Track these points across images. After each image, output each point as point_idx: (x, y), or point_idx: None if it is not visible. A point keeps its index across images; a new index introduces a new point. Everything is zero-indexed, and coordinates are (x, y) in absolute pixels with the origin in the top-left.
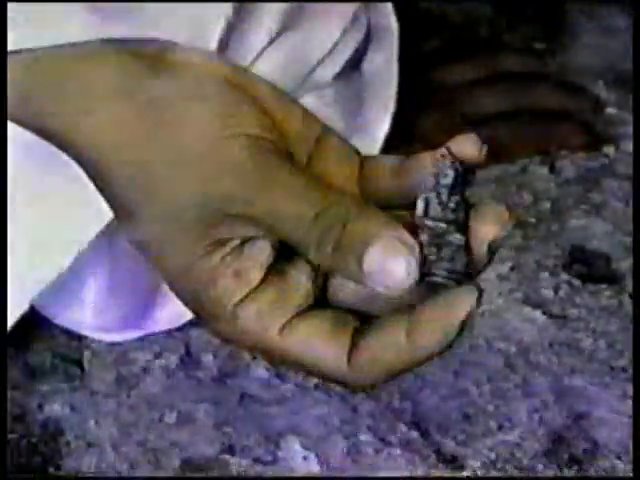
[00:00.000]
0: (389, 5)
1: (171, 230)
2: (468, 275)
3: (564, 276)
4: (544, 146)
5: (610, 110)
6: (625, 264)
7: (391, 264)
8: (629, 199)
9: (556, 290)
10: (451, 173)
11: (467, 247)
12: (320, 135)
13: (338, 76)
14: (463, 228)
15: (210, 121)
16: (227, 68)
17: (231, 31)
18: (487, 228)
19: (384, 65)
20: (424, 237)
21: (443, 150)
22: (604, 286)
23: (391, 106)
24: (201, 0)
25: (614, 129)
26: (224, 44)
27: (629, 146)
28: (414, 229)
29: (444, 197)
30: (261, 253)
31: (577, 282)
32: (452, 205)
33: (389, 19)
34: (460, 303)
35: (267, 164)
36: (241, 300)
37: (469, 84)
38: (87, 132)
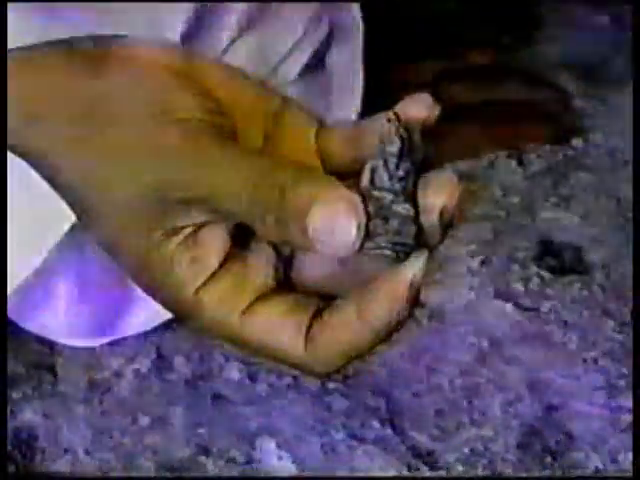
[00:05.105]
0: (354, 3)
1: (125, 223)
2: (418, 247)
3: (534, 269)
4: (512, 140)
5: (577, 102)
6: (595, 255)
7: (335, 222)
8: (598, 190)
9: (527, 283)
10: (397, 140)
11: (418, 218)
12: (279, 110)
13: (303, 73)
14: (413, 198)
15: (144, 110)
16: (170, 55)
17: (193, 30)
18: (435, 195)
19: (349, 62)
20: (370, 208)
21: (390, 114)
22: (574, 278)
23: (358, 102)
24: (164, 0)
25: (581, 121)
26: (185, 43)
27: (597, 138)
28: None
29: (391, 166)
30: (216, 238)
31: (547, 274)
32: (400, 174)
33: (354, 16)
34: (405, 270)
35: (204, 146)
36: (201, 287)
37: (436, 79)
38: (35, 136)
